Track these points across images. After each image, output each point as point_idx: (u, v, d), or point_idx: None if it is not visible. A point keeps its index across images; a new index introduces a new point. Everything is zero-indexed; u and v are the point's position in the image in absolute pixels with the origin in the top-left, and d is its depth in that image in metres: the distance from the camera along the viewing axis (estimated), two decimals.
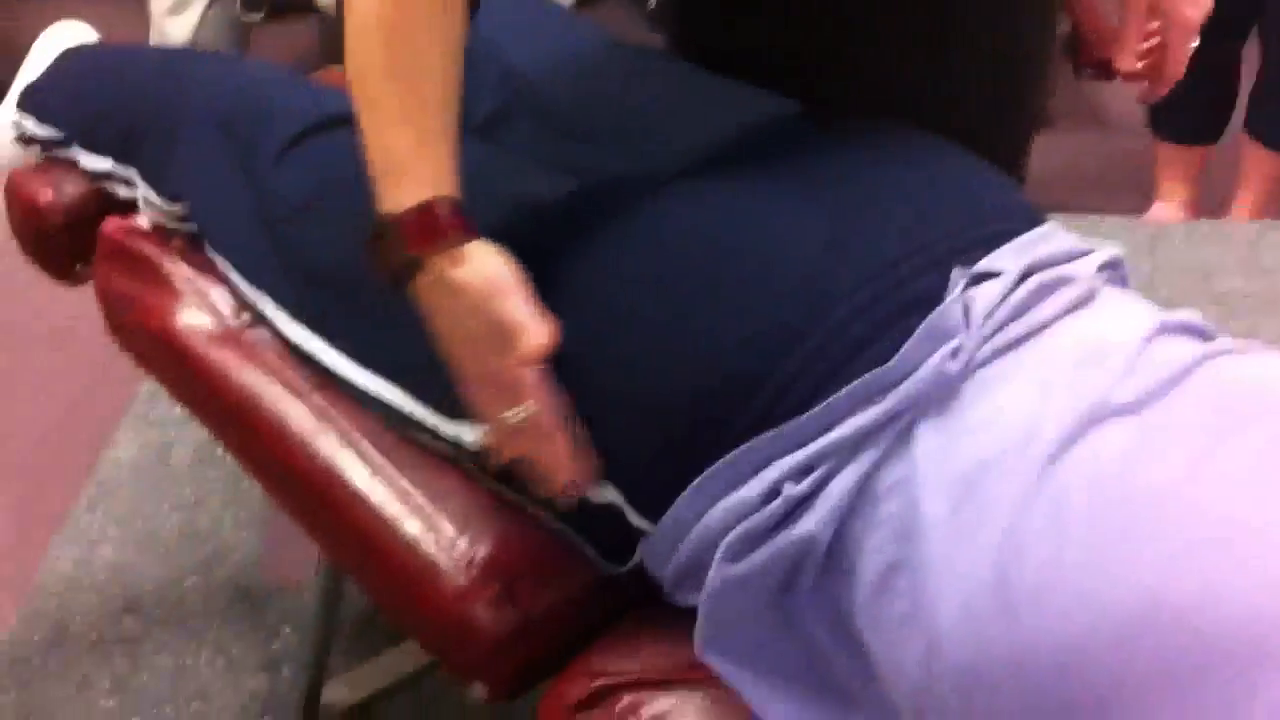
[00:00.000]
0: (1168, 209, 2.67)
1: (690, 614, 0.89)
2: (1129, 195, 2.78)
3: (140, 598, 1.72)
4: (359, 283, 1.00)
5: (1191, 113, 2.60)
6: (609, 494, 0.93)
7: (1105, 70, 2.83)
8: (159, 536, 1.81)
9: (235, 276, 1.16)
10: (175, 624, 1.69)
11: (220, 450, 1.93)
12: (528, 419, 0.90)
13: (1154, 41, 1.13)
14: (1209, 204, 2.73)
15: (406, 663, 1.56)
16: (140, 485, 1.90)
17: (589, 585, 0.99)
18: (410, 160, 0.88)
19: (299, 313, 1.12)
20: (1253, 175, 2.58)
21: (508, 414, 0.90)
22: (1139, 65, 1.13)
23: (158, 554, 1.79)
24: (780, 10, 1.15)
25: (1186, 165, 2.65)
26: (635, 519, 0.92)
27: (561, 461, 0.91)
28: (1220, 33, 2.49)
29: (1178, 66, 1.12)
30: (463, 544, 0.98)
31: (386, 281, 0.89)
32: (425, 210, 0.87)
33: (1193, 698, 0.67)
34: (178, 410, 1.99)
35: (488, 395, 0.91)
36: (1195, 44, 1.12)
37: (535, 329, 0.88)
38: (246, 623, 1.69)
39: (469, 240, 0.88)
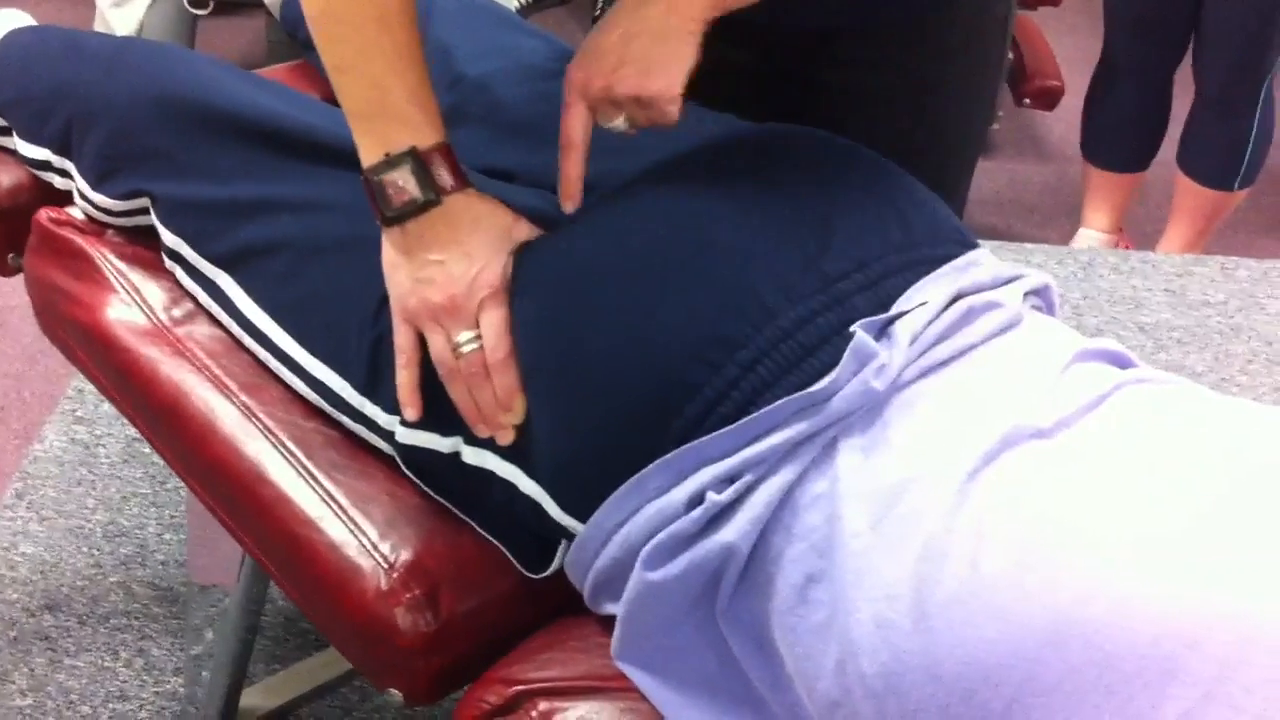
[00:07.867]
0: (1091, 234, 2.72)
1: (610, 622, 0.90)
2: (1065, 223, 2.82)
3: (62, 594, 1.70)
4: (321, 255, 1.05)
5: (1122, 141, 2.65)
6: (534, 489, 0.94)
7: (1045, 99, 2.88)
8: (83, 533, 1.79)
9: (188, 251, 1.14)
10: (96, 622, 1.67)
11: (146, 449, 1.91)
12: (480, 346, 0.92)
13: None
14: (1137, 235, 2.78)
15: (326, 670, 1.55)
16: (65, 481, 1.87)
17: (510, 592, 0.99)
18: (425, 102, 0.93)
19: (250, 289, 1.10)
20: (1182, 208, 2.63)
21: (461, 337, 0.92)
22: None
23: (81, 551, 1.77)
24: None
25: (1114, 192, 2.70)
26: (559, 515, 0.93)
27: (504, 396, 0.92)
28: (1152, 62, 2.56)
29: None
30: (385, 547, 0.99)
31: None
32: (448, 149, 0.93)
33: (1099, 712, 0.69)
34: (105, 407, 1.98)
35: (444, 324, 0.93)
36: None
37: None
38: (168, 624, 1.67)
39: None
